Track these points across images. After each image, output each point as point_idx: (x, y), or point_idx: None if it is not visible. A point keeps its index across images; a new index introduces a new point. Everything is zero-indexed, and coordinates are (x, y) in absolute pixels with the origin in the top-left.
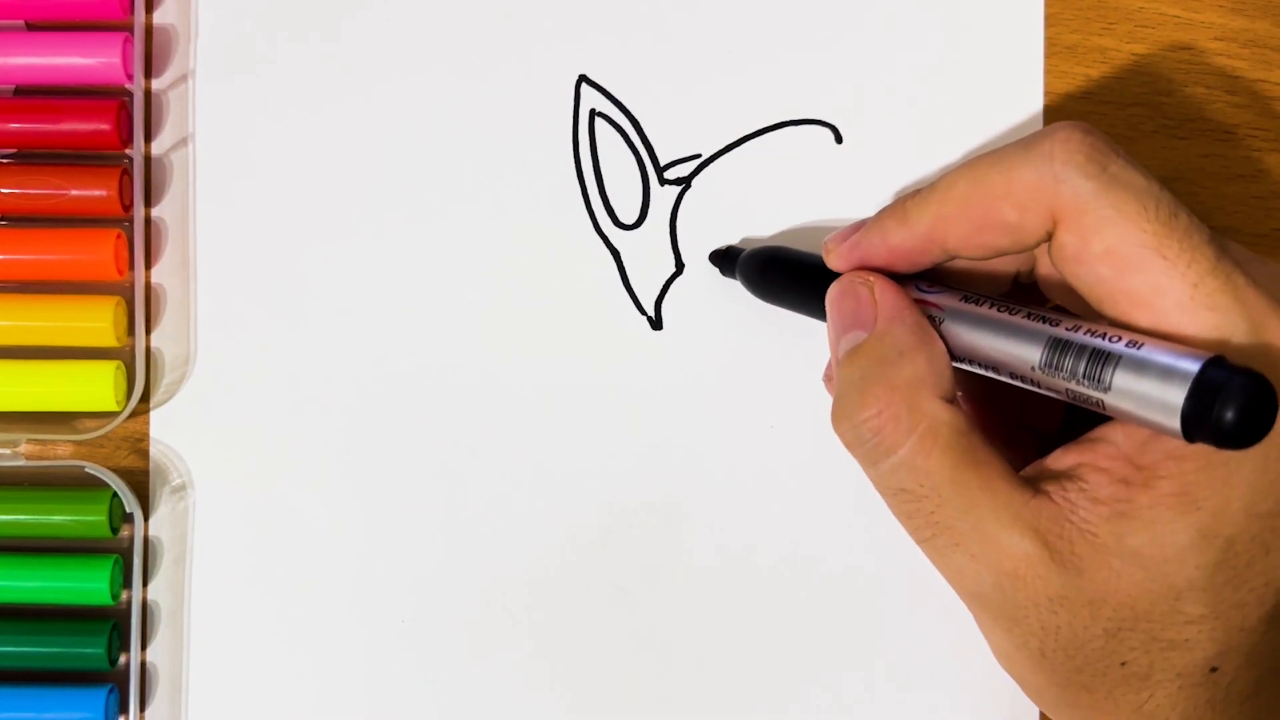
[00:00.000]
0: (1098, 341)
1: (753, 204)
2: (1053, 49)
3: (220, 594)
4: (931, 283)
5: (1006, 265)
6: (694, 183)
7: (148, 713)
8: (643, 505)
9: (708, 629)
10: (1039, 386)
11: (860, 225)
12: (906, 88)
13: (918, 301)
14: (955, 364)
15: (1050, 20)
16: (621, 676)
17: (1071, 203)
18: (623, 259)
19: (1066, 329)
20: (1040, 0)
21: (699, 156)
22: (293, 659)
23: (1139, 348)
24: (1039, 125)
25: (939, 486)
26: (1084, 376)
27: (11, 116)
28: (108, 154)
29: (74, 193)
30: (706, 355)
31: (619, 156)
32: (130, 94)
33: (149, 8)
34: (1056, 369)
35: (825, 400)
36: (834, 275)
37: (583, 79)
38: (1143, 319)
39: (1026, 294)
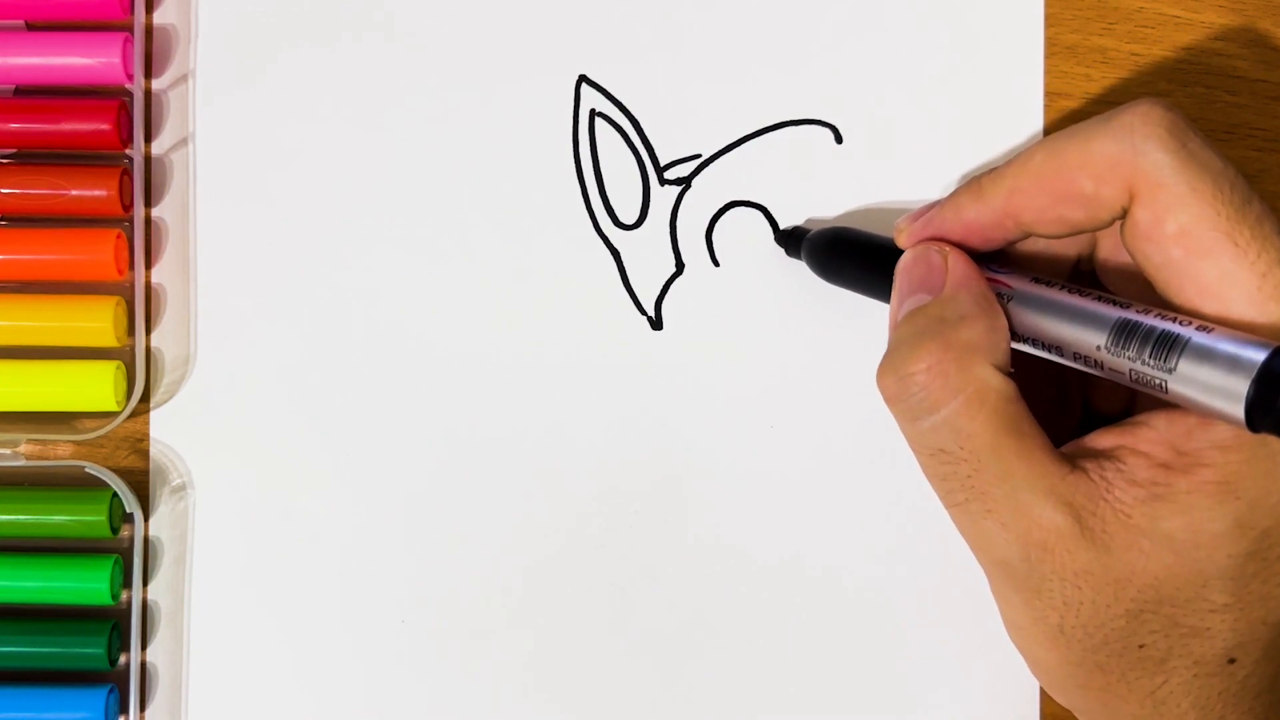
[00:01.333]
0: (1166, 325)
1: (753, 204)
2: (1053, 49)
3: (220, 594)
4: (1003, 264)
5: (1068, 249)
6: (694, 183)
7: (148, 713)
8: (642, 505)
9: (707, 629)
10: (1101, 368)
11: (933, 205)
12: (906, 88)
13: (989, 279)
14: (1017, 345)
15: (1050, 20)
16: (621, 677)
17: (1150, 176)
18: (623, 259)
19: (1136, 311)
20: (1040, 0)
21: (699, 156)
22: (293, 659)
23: (1208, 333)
24: (1039, 125)
25: (979, 450)
26: (1150, 358)
27: (11, 116)
28: (108, 154)
29: (74, 193)
30: (706, 355)
31: (619, 156)
32: (130, 94)
33: (149, 8)
34: (1123, 349)
35: (825, 401)
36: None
37: (583, 79)
38: (1209, 307)
39: (1085, 282)
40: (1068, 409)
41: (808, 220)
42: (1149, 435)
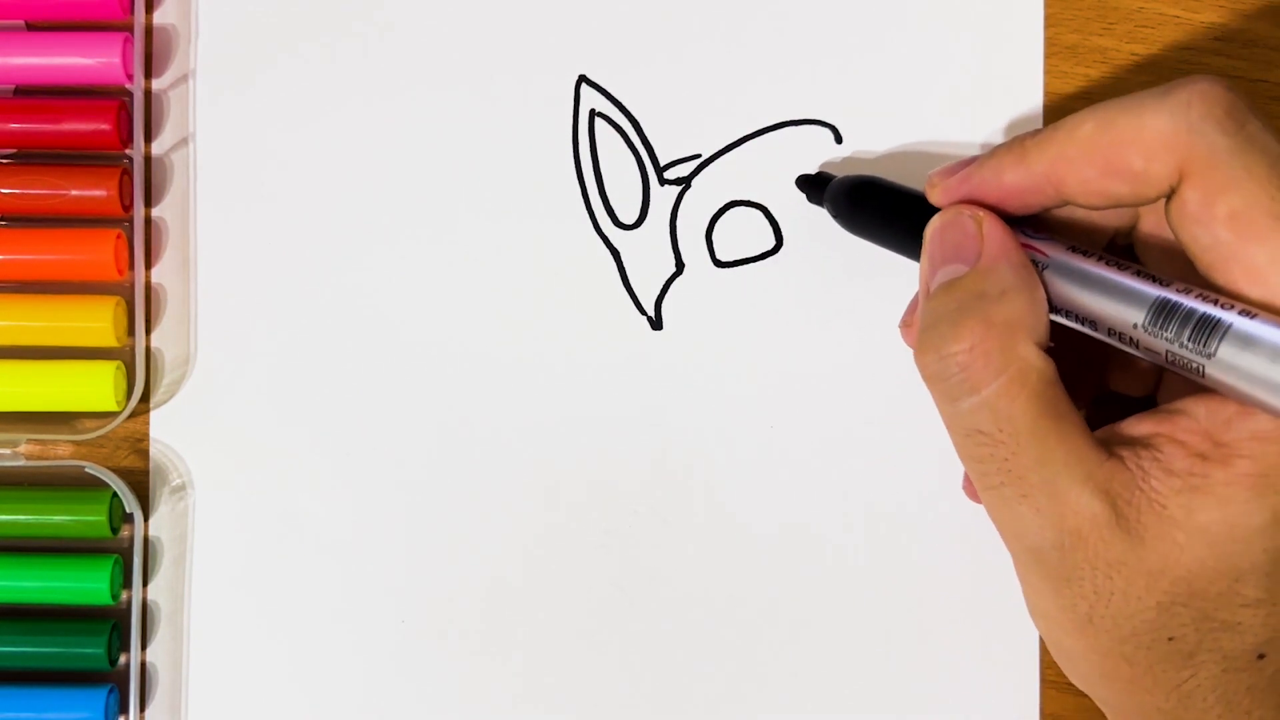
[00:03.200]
0: (1208, 307)
1: (753, 204)
2: (1053, 49)
3: (220, 594)
4: (1037, 228)
5: (1107, 220)
6: (694, 183)
7: (148, 713)
8: (642, 505)
9: (707, 629)
10: (1136, 346)
11: (969, 161)
12: (906, 88)
13: (1023, 246)
14: (1050, 316)
15: (1050, 20)
16: (621, 676)
17: (1204, 157)
18: (623, 259)
19: (1176, 291)
20: (1040, 0)
21: (699, 156)
22: (292, 659)
23: (1251, 318)
24: (1039, 125)
25: (1018, 433)
26: (1189, 340)
27: (11, 116)
28: (108, 154)
29: (74, 193)
30: (706, 355)
31: (619, 156)
32: (130, 94)
33: (149, 8)
34: (1161, 329)
35: (825, 400)
36: (932, 211)
37: (583, 79)
38: (1255, 292)
39: (1121, 256)
40: (1084, 385)
41: (826, 165)
42: (1187, 424)
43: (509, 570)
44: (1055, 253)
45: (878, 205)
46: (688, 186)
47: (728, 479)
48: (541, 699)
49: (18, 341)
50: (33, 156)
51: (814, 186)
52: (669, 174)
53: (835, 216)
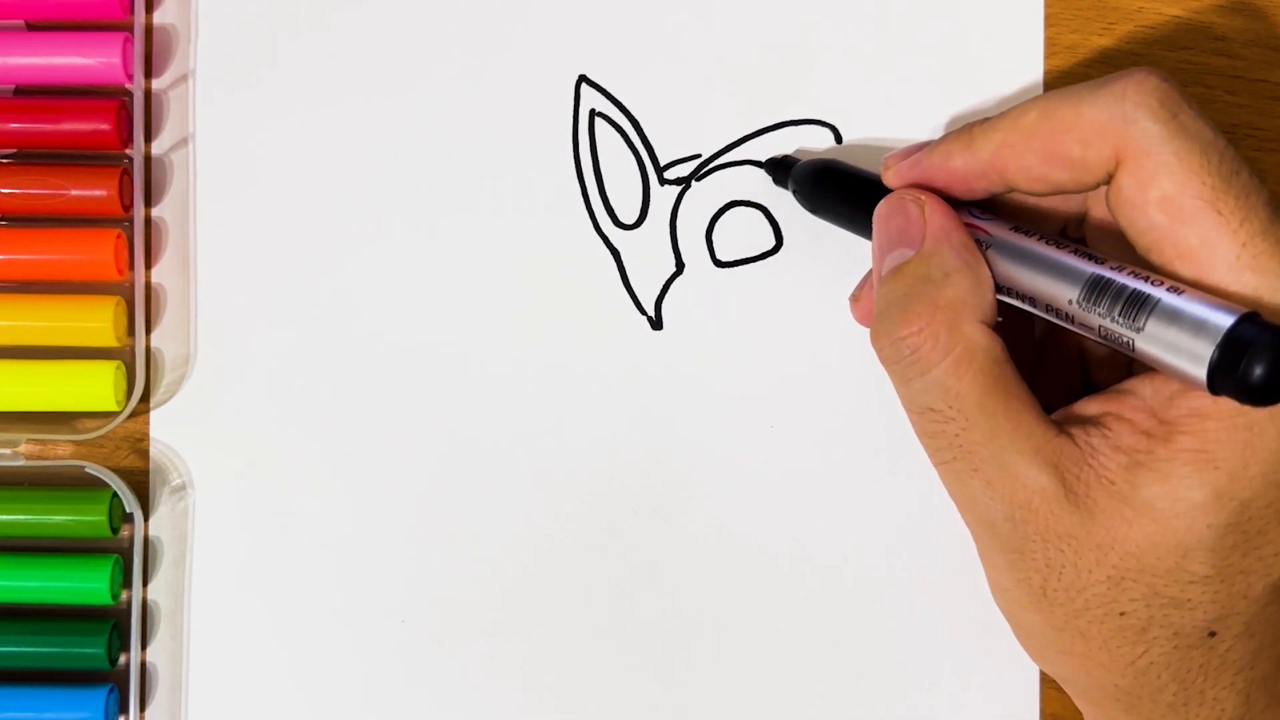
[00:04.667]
0: (1138, 284)
1: (753, 204)
2: (1053, 49)
3: (220, 594)
4: (984, 211)
5: (1056, 207)
6: (694, 183)
7: (148, 713)
8: (642, 505)
9: (707, 629)
10: (1073, 322)
11: (922, 146)
12: (906, 88)
13: (967, 225)
14: (997, 296)
15: (1050, 20)
16: (621, 676)
17: (1137, 144)
18: (623, 259)
19: (1110, 268)
20: (1040, 0)
21: (699, 156)
22: (292, 659)
23: (1178, 294)
24: None
25: (967, 409)
26: (1120, 315)
27: (11, 116)
28: (108, 154)
29: (74, 193)
30: (706, 355)
31: (619, 156)
32: (130, 94)
33: (149, 8)
34: (1094, 305)
35: (825, 400)
36: (888, 192)
37: (583, 79)
38: (1187, 271)
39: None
40: (1069, 380)
41: (798, 151)
42: (1133, 402)
43: (509, 570)
44: (999, 232)
45: (837, 188)
46: (688, 186)
47: (727, 479)
48: (542, 699)
49: (18, 341)
50: (33, 156)
51: (779, 169)
52: (669, 174)
53: (797, 197)
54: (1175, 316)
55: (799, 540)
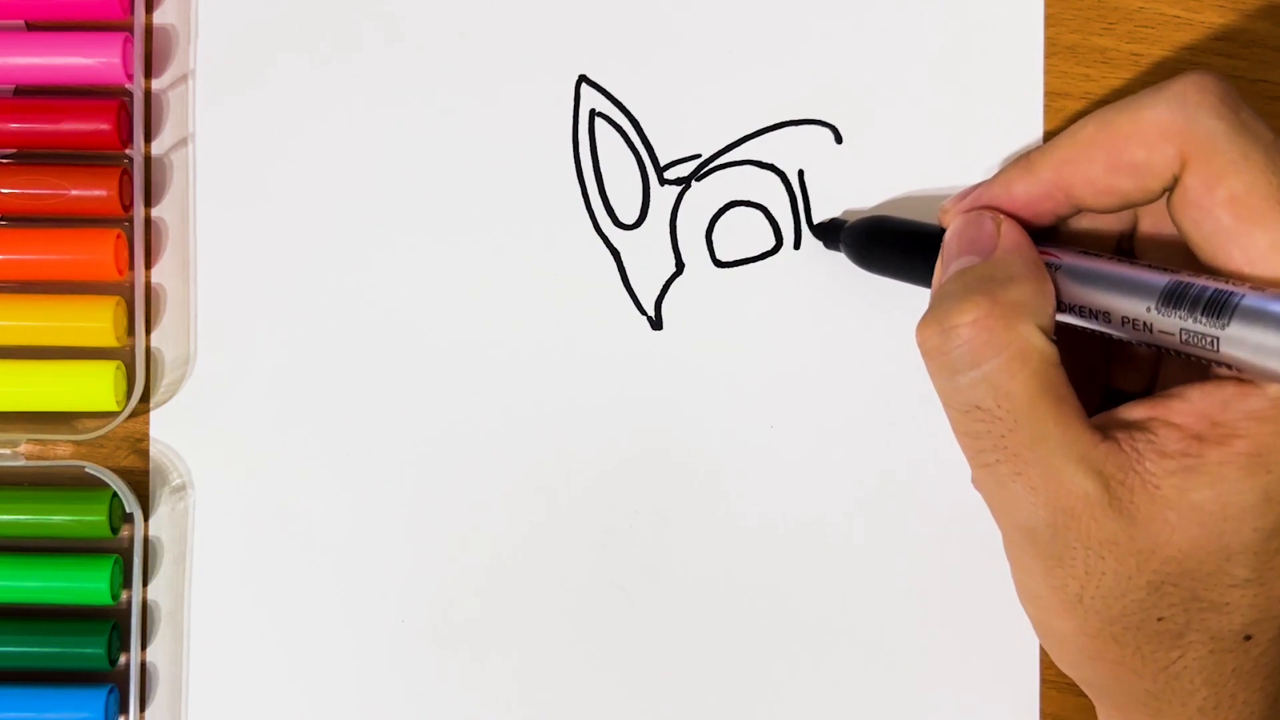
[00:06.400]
0: (1218, 285)
1: (753, 204)
2: (1053, 49)
3: (220, 594)
4: (1051, 243)
5: (1110, 225)
6: (694, 183)
7: (148, 713)
8: (643, 505)
9: (708, 629)
10: (1150, 330)
11: (978, 186)
12: (906, 87)
13: (1039, 252)
14: (1064, 316)
15: (1050, 20)
16: (621, 676)
17: (1203, 143)
18: (623, 259)
19: (1186, 276)
20: (1040, 0)
21: (699, 156)
22: (292, 659)
23: (1261, 293)
24: (1039, 125)
25: (1016, 410)
26: (1202, 316)
27: (11, 116)
28: (108, 154)
29: (74, 193)
30: (706, 355)
31: (619, 156)
32: (130, 94)
33: (149, 8)
34: (1174, 309)
35: (825, 400)
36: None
37: (583, 79)
38: (1255, 274)
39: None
40: (1091, 385)
41: (845, 212)
42: (1181, 407)
43: (509, 570)
44: (1068, 258)
45: (893, 242)
46: (688, 186)
47: (728, 479)
48: (542, 699)
49: (18, 341)
50: (33, 156)
51: (828, 233)
52: (669, 174)
53: (852, 258)
54: (1261, 314)
55: (798, 540)
